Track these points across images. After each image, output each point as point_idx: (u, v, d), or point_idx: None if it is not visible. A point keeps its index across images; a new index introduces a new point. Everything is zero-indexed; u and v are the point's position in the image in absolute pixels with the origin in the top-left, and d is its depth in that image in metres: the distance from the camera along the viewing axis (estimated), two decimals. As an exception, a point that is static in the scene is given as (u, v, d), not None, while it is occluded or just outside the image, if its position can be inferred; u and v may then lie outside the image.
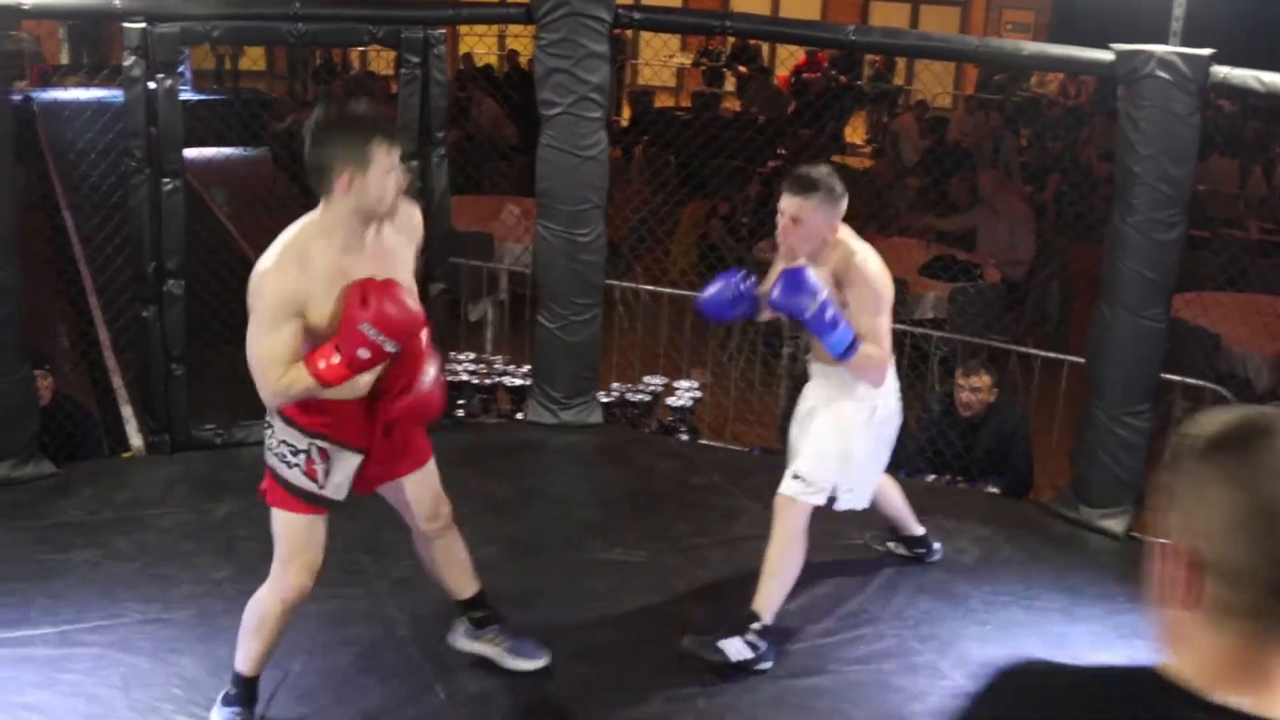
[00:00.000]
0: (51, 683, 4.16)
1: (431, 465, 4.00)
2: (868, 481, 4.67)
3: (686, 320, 7.35)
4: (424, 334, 3.68)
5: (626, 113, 16.71)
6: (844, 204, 4.32)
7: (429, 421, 3.89)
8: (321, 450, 3.65)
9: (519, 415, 6.75)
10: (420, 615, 4.70)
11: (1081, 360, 6.06)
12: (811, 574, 5.20)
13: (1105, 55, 5.58)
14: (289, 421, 3.65)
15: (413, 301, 3.52)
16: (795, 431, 4.67)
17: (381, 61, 16.74)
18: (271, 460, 3.70)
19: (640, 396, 6.89)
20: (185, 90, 6.02)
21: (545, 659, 4.31)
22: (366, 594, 4.87)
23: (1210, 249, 10.25)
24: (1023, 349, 7.50)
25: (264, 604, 3.82)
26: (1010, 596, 5.10)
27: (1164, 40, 5.64)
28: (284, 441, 3.66)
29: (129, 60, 5.51)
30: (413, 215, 3.75)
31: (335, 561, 5.04)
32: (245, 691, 3.93)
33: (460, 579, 4.19)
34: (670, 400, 6.94)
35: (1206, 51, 5.38)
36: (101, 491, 5.61)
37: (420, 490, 3.98)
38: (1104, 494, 5.73)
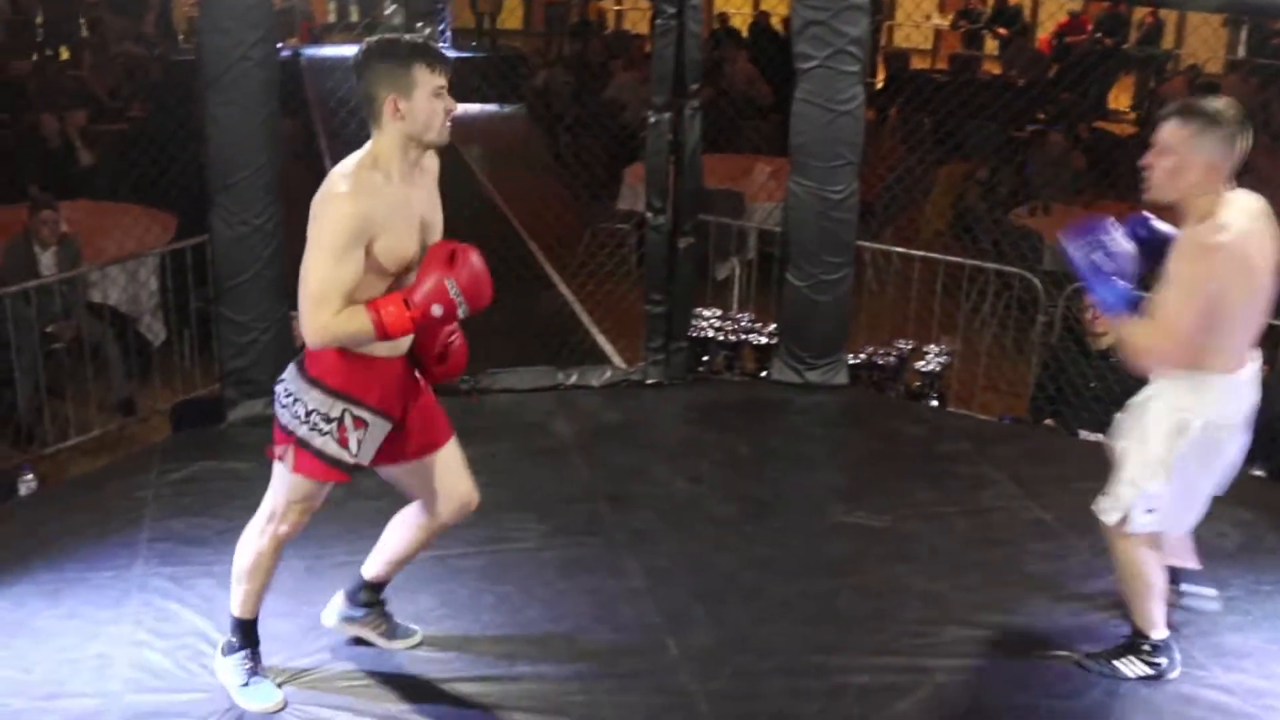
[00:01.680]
0: (295, 612, 4.27)
1: (455, 443, 3.85)
2: (1178, 506, 3.98)
3: (938, 284, 7.15)
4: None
5: (881, 74, 16.42)
6: (1235, 146, 3.63)
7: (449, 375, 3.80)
8: (357, 418, 3.54)
9: (763, 374, 6.68)
10: (655, 568, 4.70)
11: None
12: (1057, 548, 5.03)
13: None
14: (320, 385, 3.52)
15: (485, 267, 3.43)
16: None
17: (636, 19, 16.84)
18: (297, 428, 3.55)
19: (888, 360, 6.74)
20: (444, 47, 6.07)
21: (417, 636, 4.19)
22: (605, 544, 4.88)
23: None
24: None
25: (259, 546, 3.72)
26: (1274, 586, 4.79)
27: None
28: (315, 411, 3.52)
29: (389, 9, 5.61)
30: (435, 165, 3.64)
31: (576, 510, 5.13)
32: (246, 635, 3.87)
33: (387, 562, 4.04)
34: (919, 365, 6.76)
35: None
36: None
37: (450, 472, 3.84)
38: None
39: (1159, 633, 4.11)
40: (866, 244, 7.31)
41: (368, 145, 3.44)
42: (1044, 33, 20.02)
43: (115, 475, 5.50)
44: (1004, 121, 11.47)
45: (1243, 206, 3.67)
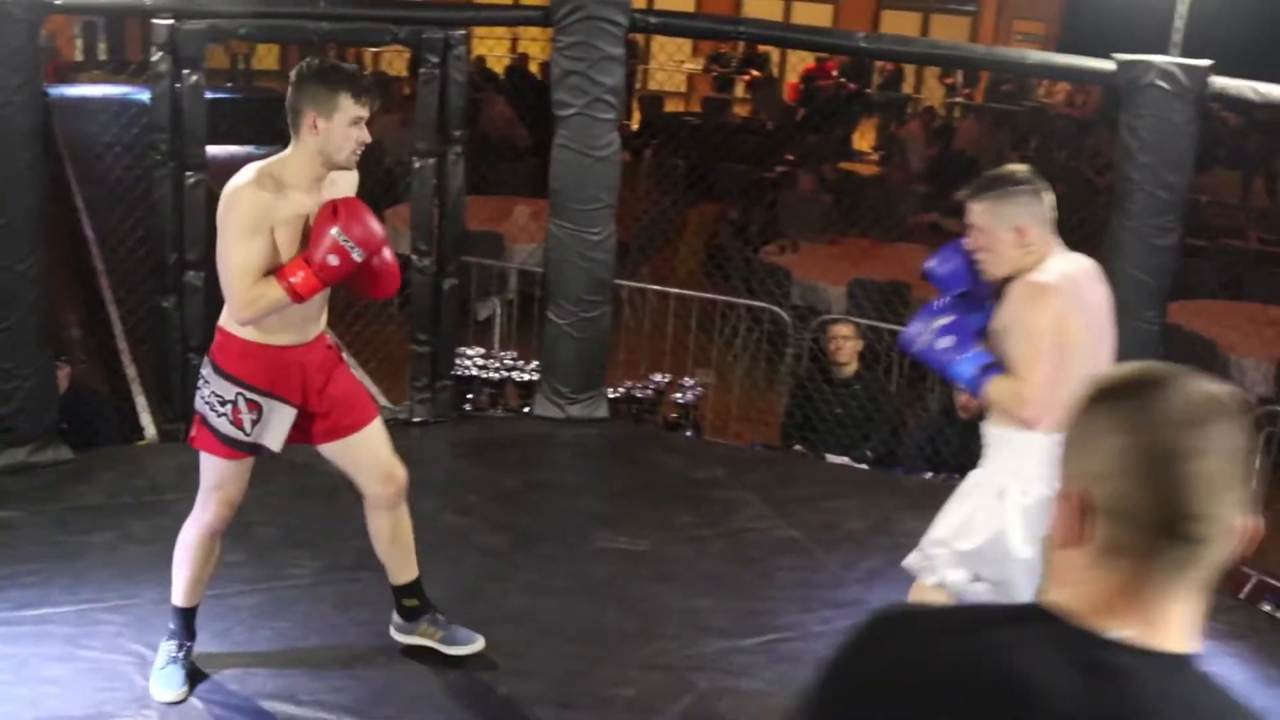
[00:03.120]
0: (70, 657, 4.29)
1: (378, 425, 4.11)
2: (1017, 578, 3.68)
3: (692, 320, 7.47)
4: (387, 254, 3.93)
5: (637, 117, 16.85)
6: (1036, 204, 3.65)
7: (383, 295, 4.15)
8: (250, 401, 3.85)
9: (526, 410, 6.89)
10: (429, 599, 4.83)
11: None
12: (807, 563, 5.37)
13: (1107, 65, 5.73)
14: (220, 372, 3.85)
15: (373, 216, 3.77)
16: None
17: (393, 59, 16.92)
18: (202, 408, 3.89)
19: (646, 393, 7.03)
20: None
21: (479, 642, 4.36)
22: (378, 578, 4.97)
23: (1210, 258, 10.39)
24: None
25: (188, 536, 4.05)
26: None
27: (1165, 51, 5.77)
28: (214, 393, 3.86)
29: (156, 56, 5.63)
30: (353, 179, 3.95)
31: (349, 546, 5.21)
32: (183, 622, 4.14)
33: (400, 560, 4.29)
34: (675, 397, 7.06)
35: (1205, 62, 5.52)
36: (119, 477, 5.73)
37: (370, 451, 4.10)
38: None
39: None
40: (624, 282, 7.57)
41: (281, 154, 3.77)
42: (793, 77, 20.79)
43: None
44: (754, 163, 11.95)
45: (1070, 260, 3.71)
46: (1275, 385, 7.94)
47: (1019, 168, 3.78)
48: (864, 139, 19.42)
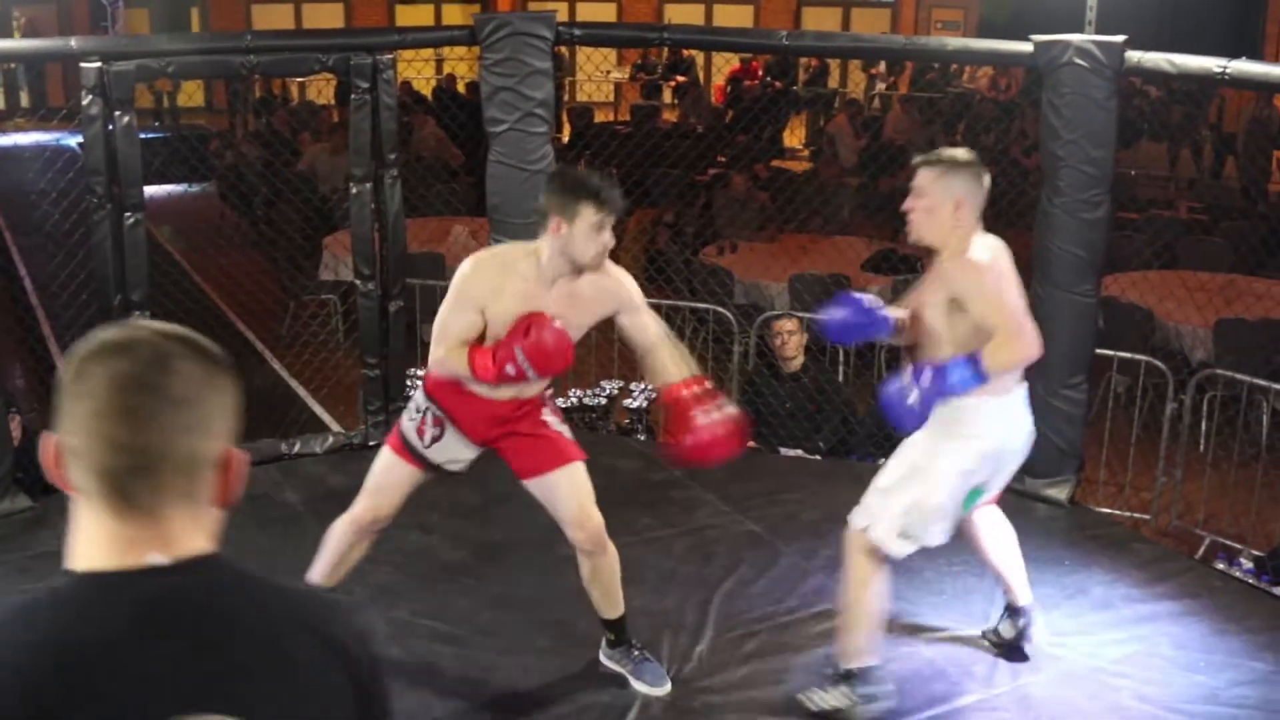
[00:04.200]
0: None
1: (571, 474, 4.28)
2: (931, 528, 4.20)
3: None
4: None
5: (567, 130, 16.91)
6: (978, 185, 4.05)
7: (717, 460, 4.18)
8: (435, 417, 4.21)
9: (481, 425, 6.93)
10: (398, 619, 4.87)
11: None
12: (769, 555, 5.45)
13: (1025, 47, 5.84)
14: (423, 389, 4.28)
15: (566, 344, 3.98)
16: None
17: (316, 90, 16.92)
18: (402, 416, 4.33)
19: (597, 400, 7.09)
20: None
21: (666, 686, 4.45)
22: (345, 602, 5.03)
23: (1141, 230, 10.57)
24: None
25: (337, 525, 4.40)
26: (963, 567, 5.31)
27: (1081, 31, 5.90)
28: (413, 401, 4.31)
29: (87, 99, 5.65)
30: (621, 282, 4.20)
31: (314, 572, 5.26)
32: None
33: (601, 601, 4.43)
34: (626, 403, 7.13)
35: (1120, 38, 5.64)
36: (79, 521, 5.72)
37: (563, 496, 4.28)
38: (1047, 464, 5.97)
39: (865, 661, 4.24)
40: (568, 293, 7.61)
41: (533, 243, 4.07)
42: (720, 79, 20.92)
43: None
44: (686, 167, 12.02)
45: (988, 243, 4.07)
46: (1214, 349, 8.10)
47: (966, 151, 4.13)
48: (794, 136, 19.58)
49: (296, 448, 6.54)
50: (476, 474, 6.28)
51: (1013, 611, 4.60)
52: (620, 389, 7.19)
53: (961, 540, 4.45)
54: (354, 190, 6.37)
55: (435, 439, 4.23)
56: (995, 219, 10.54)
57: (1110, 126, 5.72)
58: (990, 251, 4.02)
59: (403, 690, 4.39)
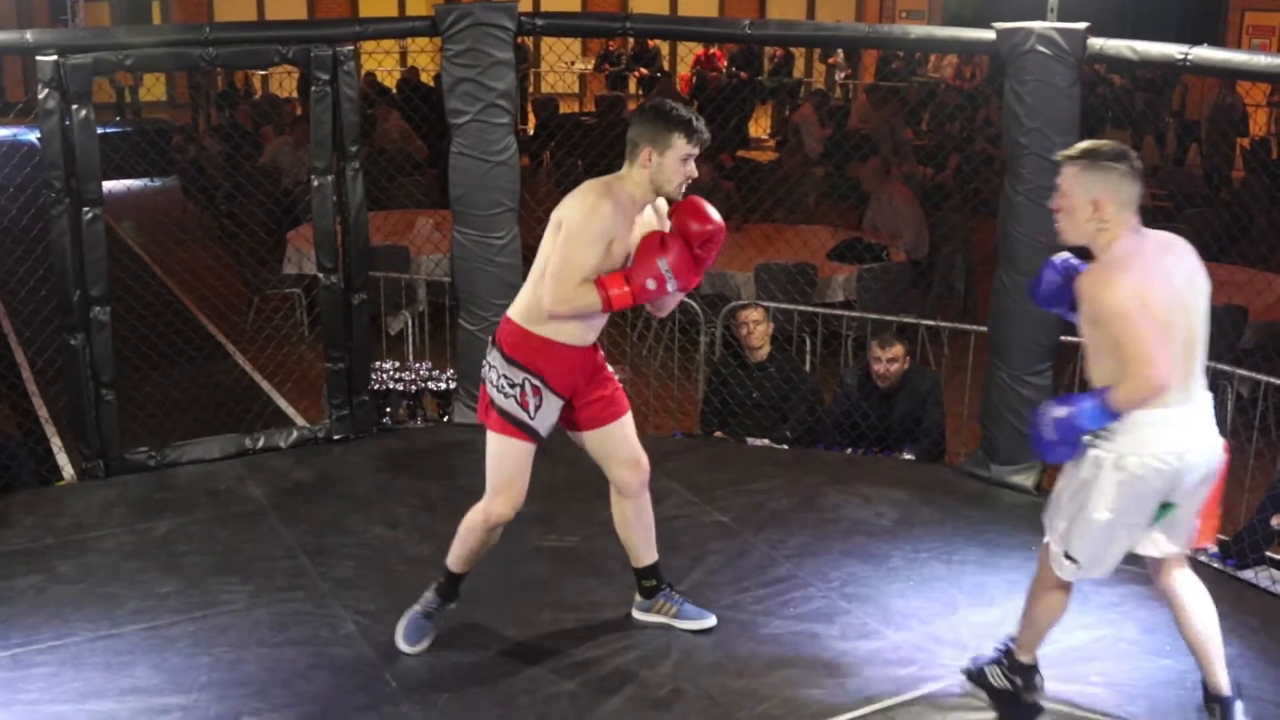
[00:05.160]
0: (9, 703, 4.25)
1: (629, 420, 4.54)
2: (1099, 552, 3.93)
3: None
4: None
5: (532, 121, 16.87)
6: (1118, 180, 3.76)
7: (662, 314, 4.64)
8: (534, 387, 4.27)
9: (445, 418, 6.91)
10: (364, 611, 4.85)
11: (985, 330, 6.32)
12: (737, 545, 5.44)
13: (988, 34, 5.85)
14: (509, 359, 4.28)
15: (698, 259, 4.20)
16: None
17: (279, 83, 16.84)
18: (491, 391, 4.33)
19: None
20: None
21: (710, 619, 4.72)
22: (311, 596, 5.00)
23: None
24: (930, 323, 7.70)
25: (474, 519, 4.46)
26: (930, 553, 5.33)
27: (1044, 18, 5.91)
28: (503, 376, 4.29)
29: (44, 93, 5.59)
30: (663, 211, 4.32)
31: (279, 567, 5.23)
32: (449, 584, 4.59)
33: (642, 545, 4.67)
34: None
35: (1082, 25, 5.65)
36: (41, 519, 5.67)
37: (621, 441, 4.51)
38: (1012, 452, 5.99)
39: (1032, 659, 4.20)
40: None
41: (618, 173, 4.22)
42: (685, 69, 20.89)
43: None
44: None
45: (1142, 237, 3.80)
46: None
47: (1118, 145, 3.84)
48: (759, 125, 19.59)
49: (261, 442, 6.49)
50: (441, 468, 6.31)
51: (1211, 701, 4.02)
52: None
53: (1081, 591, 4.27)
54: (315, 183, 6.32)
55: (538, 407, 4.29)
56: (961, 209, 10.58)
57: (1073, 114, 5.73)
58: (1126, 253, 3.74)
59: (369, 685, 4.38)
